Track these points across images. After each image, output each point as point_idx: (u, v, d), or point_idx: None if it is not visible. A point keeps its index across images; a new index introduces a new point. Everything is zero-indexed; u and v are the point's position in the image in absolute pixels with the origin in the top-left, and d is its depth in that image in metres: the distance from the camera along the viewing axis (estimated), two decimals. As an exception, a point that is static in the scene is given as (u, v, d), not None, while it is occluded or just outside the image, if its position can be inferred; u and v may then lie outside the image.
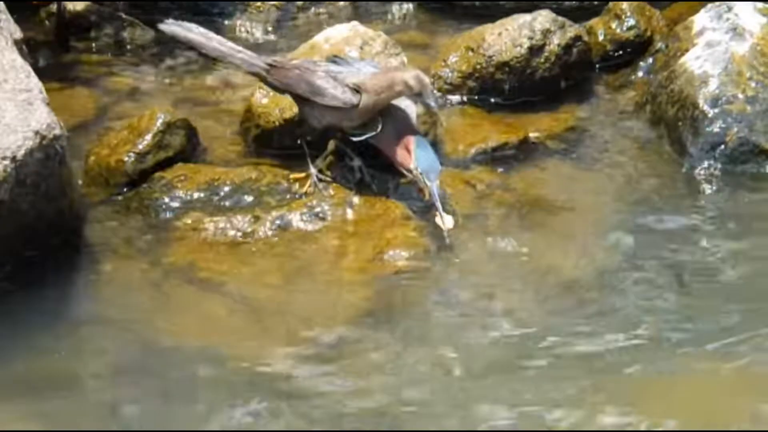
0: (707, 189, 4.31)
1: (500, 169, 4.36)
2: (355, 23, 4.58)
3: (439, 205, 3.99)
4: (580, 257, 3.93)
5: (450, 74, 4.79)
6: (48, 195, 3.65)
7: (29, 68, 3.70)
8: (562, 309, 3.70)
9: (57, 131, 3.62)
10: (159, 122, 4.16)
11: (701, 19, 4.66)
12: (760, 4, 4.64)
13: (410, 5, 5.34)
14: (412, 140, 4.08)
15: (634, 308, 3.69)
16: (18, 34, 3.81)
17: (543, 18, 4.81)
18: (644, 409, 3.26)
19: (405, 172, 4.11)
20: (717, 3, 4.68)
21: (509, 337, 3.57)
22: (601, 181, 4.35)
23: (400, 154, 4.08)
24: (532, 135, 4.56)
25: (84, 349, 3.56)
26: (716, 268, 3.91)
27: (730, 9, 4.62)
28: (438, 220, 4.00)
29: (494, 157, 4.45)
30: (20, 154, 3.50)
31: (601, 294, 3.76)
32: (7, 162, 3.49)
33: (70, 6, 5.01)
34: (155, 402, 3.33)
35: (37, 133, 3.55)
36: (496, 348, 3.53)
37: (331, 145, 4.18)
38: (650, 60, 4.91)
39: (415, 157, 4.04)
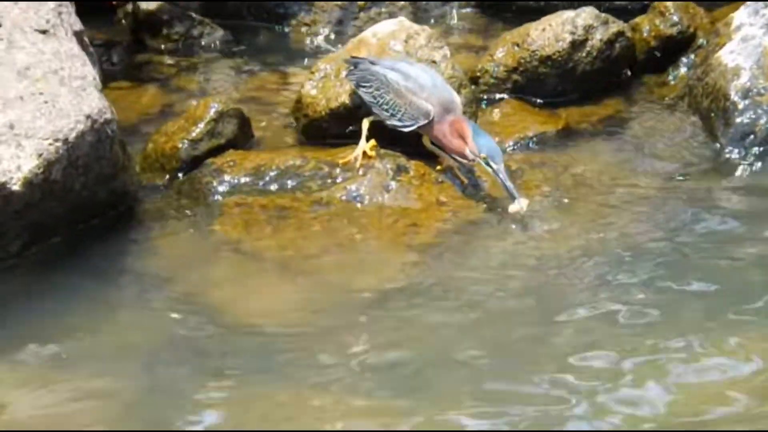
0: (737, 175, 4.22)
1: (538, 155, 4.32)
2: (402, 18, 4.55)
3: (510, 184, 3.95)
4: (608, 232, 3.89)
5: (496, 68, 4.74)
6: (100, 176, 3.70)
7: (85, 57, 3.75)
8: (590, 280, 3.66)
9: (108, 115, 3.66)
10: (212, 111, 4.18)
11: (740, 15, 4.56)
12: None
13: (468, 8, 5.31)
14: (466, 128, 4.04)
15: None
16: (78, 26, 3.87)
17: (586, 14, 4.73)
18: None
19: (460, 159, 4.09)
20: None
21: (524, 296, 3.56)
22: (634, 163, 4.28)
23: (456, 143, 4.05)
24: (572, 124, 4.51)
25: (134, 314, 3.58)
26: (735, 243, 3.85)
27: (767, 5, 4.51)
28: (511, 203, 3.96)
29: (533, 144, 4.41)
30: (72, 136, 3.55)
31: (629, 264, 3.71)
32: (59, 144, 3.54)
33: (144, 5, 5.09)
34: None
35: (88, 117, 3.60)
36: (521, 316, 3.51)
37: (366, 123, 4.18)
38: (692, 55, 4.81)
39: (476, 144, 4.01)
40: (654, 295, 3.56)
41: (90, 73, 3.69)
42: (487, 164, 4.00)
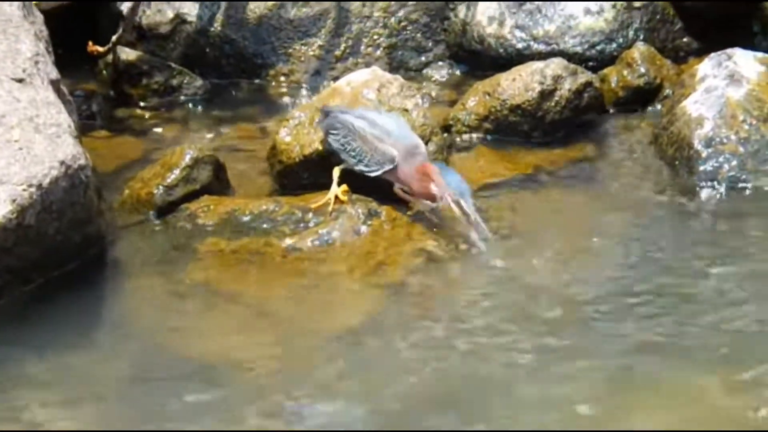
0: (701, 220, 4.24)
1: (508, 198, 4.34)
2: (375, 68, 4.58)
3: (480, 220, 3.96)
4: (574, 272, 3.90)
5: (467, 117, 4.77)
6: (74, 221, 3.69)
7: (61, 105, 3.75)
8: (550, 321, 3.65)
9: (82, 161, 3.66)
10: (187, 158, 4.19)
11: (704, 66, 4.61)
12: (760, 54, 4.59)
13: (442, 61, 5.35)
14: (432, 168, 4.06)
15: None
16: (54, 74, 3.88)
17: (555, 65, 4.77)
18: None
19: (428, 202, 4.09)
20: (720, 52, 4.63)
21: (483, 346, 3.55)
22: (599, 206, 4.31)
23: (422, 185, 4.06)
24: (542, 167, 4.53)
25: (109, 356, 3.57)
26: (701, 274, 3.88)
27: (730, 57, 4.57)
28: (480, 240, 3.96)
29: (501, 190, 4.42)
30: (46, 182, 3.55)
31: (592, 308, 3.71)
32: (33, 189, 3.53)
33: (123, 56, 5.11)
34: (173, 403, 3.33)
35: (62, 163, 3.60)
36: (475, 358, 3.50)
37: (337, 171, 4.19)
38: (659, 105, 4.86)
39: (445, 182, 4.01)
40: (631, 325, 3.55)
41: (65, 120, 3.69)
42: (456, 202, 4.00)
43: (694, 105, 4.46)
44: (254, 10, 5.29)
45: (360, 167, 4.13)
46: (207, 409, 3.29)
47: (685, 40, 5.25)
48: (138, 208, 4.18)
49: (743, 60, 4.54)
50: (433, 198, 4.06)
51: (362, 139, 4.12)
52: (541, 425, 3.20)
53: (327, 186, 4.17)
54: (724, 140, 4.36)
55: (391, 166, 4.10)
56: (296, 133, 4.36)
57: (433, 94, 5.19)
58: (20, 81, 3.73)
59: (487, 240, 3.98)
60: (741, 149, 4.34)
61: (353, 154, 4.13)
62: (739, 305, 3.67)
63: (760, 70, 4.52)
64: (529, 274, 3.88)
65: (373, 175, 4.13)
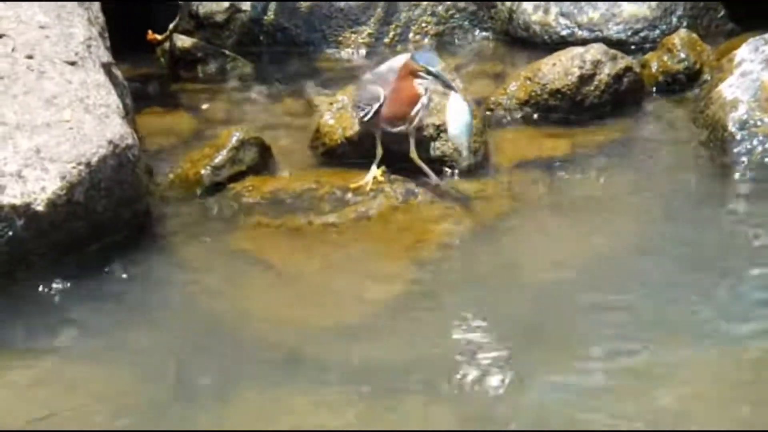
0: (731, 199, 4.19)
1: (546, 175, 4.32)
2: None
3: (449, 82, 3.97)
4: (610, 241, 3.87)
5: (509, 101, 4.75)
6: (122, 199, 3.73)
7: (111, 87, 3.80)
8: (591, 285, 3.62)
9: (130, 141, 3.71)
10: (234, 139, 4.22)
11: (742, 51, 4.55)
12: None
13: (490, 41, 5.33)
14: (404, 68, 4.02)
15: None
16: (106, 58, 3.94)
17: (595, 50, 4.72)
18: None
19: (416, 111, 4.04)
20: (758, 37, 4.56)
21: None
22: (634, 184, 4.28)
23: (405, 97, 4.02)
24: (579, 147, 4.50)
25: (158, 322, 3.62)
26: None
27: (766, 42, 4.50)
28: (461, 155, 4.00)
29: (543, 166, 4.40)
30: (94, 160, 3.60)
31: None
32: (82, 167, 3.59)
33: (179, 43, 5.17)
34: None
35: (110, 142, 3.65)
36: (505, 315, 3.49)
37: (380, 150, 4.18)
38: (697, 90, 4.79)
39: (415, 61, 3.98)
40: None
41: (114, 101, 3.74)
42: (429, 73, 3.98)
43: (729, 88, 4.39)
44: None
45: (360, 114, 4.13)
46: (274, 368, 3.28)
47: (728, 27, 5.18)
48: (187, 188, 4.22)
49: (781, 44, 4.47)
50: (416, 93, 4.00)
51: (362, 88, 4.16)
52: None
53: (367, 167, 4.19)
54: (758, 123, 4.28)
55: (378, 104, 4.06)
56: (339, 116, 4.38)
57: (478, 69, 5.17)
58: (72, 64, 3.79)
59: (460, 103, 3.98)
60: (774, 131, 4.28)
61: (358, 105, 4.14)
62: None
63: (796, 55, 4.44)
64: (556, 249, 3.85)
65: (366, 118, 4.10)
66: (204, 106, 4.96)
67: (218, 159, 4.21)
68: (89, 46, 3.84)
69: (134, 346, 3.43)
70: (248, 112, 4.98)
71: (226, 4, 5.34)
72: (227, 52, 5.23)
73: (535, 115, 4.70)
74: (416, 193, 4.12)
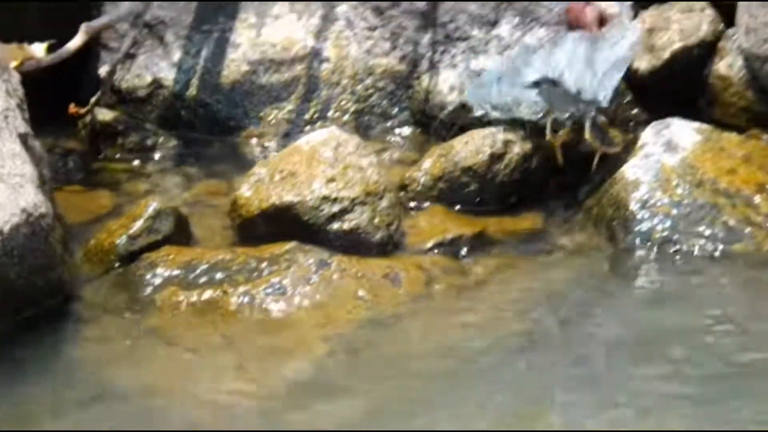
0: (636, 276, 4.28)
1: (454, 258, 4.38)
2: (333, 128, 4.64)
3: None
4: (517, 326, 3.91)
5: (423, 177, 4.82)
6: (35, 267, 3.73)
7: (26, 156, 3.80)
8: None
9: (43, 210, 3.70)
10: (151, 209, 4.23)
11: (645, 134, 4.69)
12: (696, 124, 4.67)
13: (407, 126, 5.41)
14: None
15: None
16: (23, 129, 3.93)
17: (506, 130, 4.84)
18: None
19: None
20: (660, 121, 4.71)
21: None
22: (539, 263, 4.35)
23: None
24: (488, 229, 4.57)
25: (66, 403, 3.59)
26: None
27: (668, 126, 4.66)
28: None
29: (453, 243, 4.45)
30: (7, 228, 3.59)
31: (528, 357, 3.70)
32: (-6, 235, 3.59)
33: (101, 116, 5.18)
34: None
35: (24, 210, 3.63)
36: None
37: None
38: (603, 171, 4.91)
39: None
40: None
41: (30, 171, 3.74)
42: None
43: (632, 169, 4.52)
44: (228, 75, 5.38)
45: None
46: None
47: (635, 111, 5.33)
48: (102, 257, 4.21)
49: (680, 129, 4.62)
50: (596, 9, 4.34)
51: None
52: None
53: (282, 238, 4.22)
54: (659, 203, 4.41)
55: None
56: (256, 188, 4.42)
57: (396, 156, 5.25)
58: (-12, 134, 3.80)
59: None
60: (674, 211, 4.39)
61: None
62: (653, 356, 3.67)
63: (696, 139, 4.59)
64: (456, 335, 3.88)
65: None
66: (123, 181, 4.97)
67: (134, 228, 4.22)
68: (6, 117, 3.84)
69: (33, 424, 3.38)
70: (168, 185, 4.99)
71: (149, 78, 5.38)
72: (149, 126, 5.25)
73: (448, 192, 4.77)
74: (329, 263, 4.16)
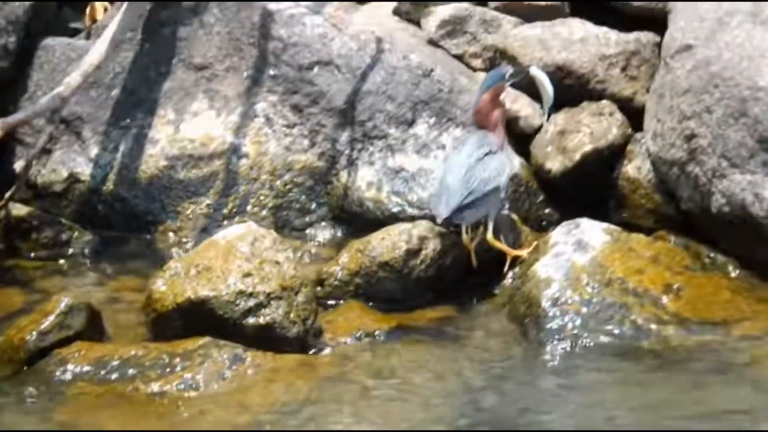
0: (542, 374, 4.32)
1: (370, 349, 4.39)
2: (249, 223, 4.64)
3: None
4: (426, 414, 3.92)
5: (340, 272, 4.84)
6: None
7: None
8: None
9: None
10: (62, 305, 4.18)
11: (556, 234, 4.78)
12: (605, 224, 4.78)
13: (326, 222, 5.44)
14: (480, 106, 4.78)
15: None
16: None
17: (422, 226, 4.87)
18: None
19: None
20: (570, 221, 4.81)
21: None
22: (452, 357, 4.38)
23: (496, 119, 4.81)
24: (404, 325, 4.59)
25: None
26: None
27: (578, 226, 4.75)
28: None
29: (368, 337, 4.47)
30: None
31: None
32: None
33: (15, 211, 5.12)
34: None
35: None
36: None
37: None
38: (516, 268, 4.97)
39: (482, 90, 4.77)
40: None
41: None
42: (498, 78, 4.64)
43: (543, 268, 4.60)
44: (146, 171, 5.38)
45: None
46: None
47: (547, 210, 5.43)
48: (11, 354, 4.14)
49: (590, 229, 4.73)
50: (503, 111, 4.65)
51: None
52: None
53: (197, 333, 4.19)
54: (569, 300, 4.49)
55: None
56: (172, 283, 4.39)
57: (314, 251, 5.27)
58: None
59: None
60: (584, 309, 4.47)
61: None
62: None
63: (605, 239, 4.70)
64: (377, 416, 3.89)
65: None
66: (37, 277, 4.91)
67: (45, 324, 4.15)
68: None
69: None
70: (83, 281, 4.94)
71: (65, 173, 5.35)
72: (64, 221, 5.21)
73: (365, 287, 4.80)
74: (244, 358, 4.13)
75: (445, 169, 4.78)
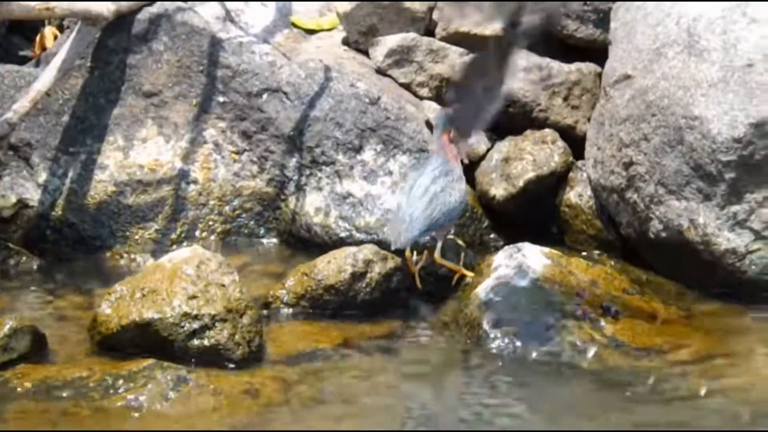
0: (486, 388, 4.37)
1: (317, 368, 4.41)
2: (195, 246, 4.67)
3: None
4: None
5: (286, 295, 4.88)
6: None
7: None
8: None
9: None
10: (6, 328, 4.17)
11: (498, 257, 4.84)
12: (546, 249, 4.86)
13: (274, 246, 5.48)
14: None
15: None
16: None
17: (367, 250, 4.92)
18: None
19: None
20: (512, 245, 4.88)
21: None
22: (395, 378, 4.43)
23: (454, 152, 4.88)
24: (350, 342, 4.63)
25: None
26: None
27: (519, 250, 4.82)
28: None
29: (314, 359, 4.49)
30: None
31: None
32: None
33: (-41, 235, 5.13)
34: None
35: None
36: None
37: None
38: (460, 291, 5.03)
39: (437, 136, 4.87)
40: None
41: None
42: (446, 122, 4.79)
43: (485, 291, 4.66)
44: (95, 196, 5.39)
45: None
46: None
47: (491, 235, 5.50)
48: (-47, 378, 4.14)
49: (531, 253, 4.79)
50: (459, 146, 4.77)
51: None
52: None
53: (142, 354, 4.21)
54: (509, 323, 4.55)
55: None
56: (117, 305, 4.40)
57: (261, 274, 5.30)
58: None
59: None
60: (524, 331, 4.53)
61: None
62: None
63: (545, 263, 4.77)
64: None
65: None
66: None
67: (-12, 347, 4.16)
68: None
69: None
70: (29, 304, 4.93)
71: (14, 199, 5.35)
72: (11, 245, 5.20)
73: (311, 310, 4.83)
74: (188, 380, 4.15)
75: (407, 191, 4.82)
